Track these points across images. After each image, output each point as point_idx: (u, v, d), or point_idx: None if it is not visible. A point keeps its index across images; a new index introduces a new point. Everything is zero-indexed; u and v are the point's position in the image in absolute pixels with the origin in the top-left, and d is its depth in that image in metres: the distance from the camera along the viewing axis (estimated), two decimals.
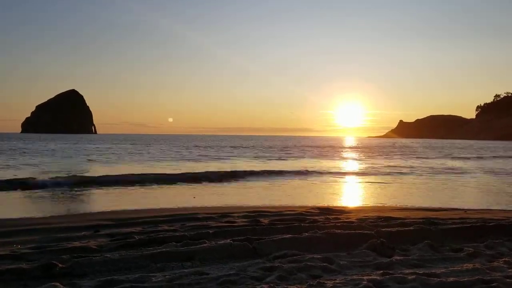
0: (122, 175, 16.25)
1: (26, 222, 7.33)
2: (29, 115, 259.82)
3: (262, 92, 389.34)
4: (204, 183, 15.29)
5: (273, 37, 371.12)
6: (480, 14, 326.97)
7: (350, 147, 64.54)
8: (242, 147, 54.87)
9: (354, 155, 41.56)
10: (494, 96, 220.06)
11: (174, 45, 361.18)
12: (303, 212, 8.39)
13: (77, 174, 17.08)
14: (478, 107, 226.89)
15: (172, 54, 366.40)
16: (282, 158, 33.63)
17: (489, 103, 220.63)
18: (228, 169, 19.52)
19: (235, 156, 35.62)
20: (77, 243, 5.39)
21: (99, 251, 5.00)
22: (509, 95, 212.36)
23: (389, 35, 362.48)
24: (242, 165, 24.49)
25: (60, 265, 4.26)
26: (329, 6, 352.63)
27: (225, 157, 33.13)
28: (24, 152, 35.48)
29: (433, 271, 4.32)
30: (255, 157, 34.22)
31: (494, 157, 38.32)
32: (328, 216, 7.78)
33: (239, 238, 5.29)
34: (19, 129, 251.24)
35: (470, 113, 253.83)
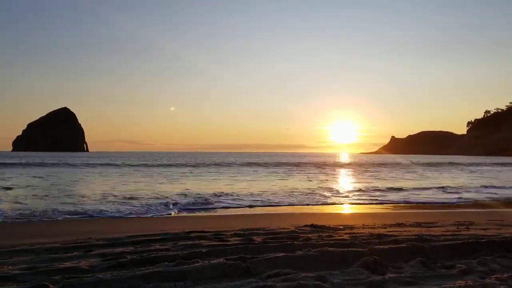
0: None
1: (18, 242, 7.25)
2: (20, 133, 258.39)
3: (257, 109, 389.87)
4: None
5: (268, 53, 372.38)
6: (472, 30, 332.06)
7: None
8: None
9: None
10: (485, 112, 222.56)
11: (167, 62, 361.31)
12: (296, 230, 8.37)
13: None
14: (469, 123, 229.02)
15: (165, 71, 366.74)
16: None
17: (479, 119, 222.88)
18: None
19: None
20: (68, 264, 5.34)
21: (90, 271, 4.96)
22: (499, 111, 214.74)
23: (382, 52, 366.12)
24: None
25: (51, 286, 4.22)
26: (323, 23, 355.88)
27: None
28: None
29: None
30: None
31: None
32: (321, 234, 7.77)
33: (232, 257, 5.27)
34: (10, 147, 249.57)
35: (461, 129, 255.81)
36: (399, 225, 9.49)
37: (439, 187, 22.43)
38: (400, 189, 21.55)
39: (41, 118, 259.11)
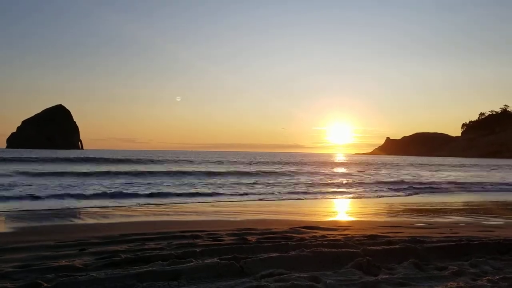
0: None
1: (11, 240, 7.23)
2: (15, 130, 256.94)
3: (254, 109, 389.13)
4: None
5: (267, 54, 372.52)
6: (467, 32, 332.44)
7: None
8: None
9: None
10: (479, 114, 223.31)
11: (165, 62, 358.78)
12: (290, 230, 8.39)
13: None
14: (463, 125, 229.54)
15: (163, 71, 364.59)
16: None
17: (474, 121, 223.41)
18: None
19: None
20: (62, 262, 5.34)
21: (84, 270, 4.96)
22: (494, 113, 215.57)
23: (379, 54, 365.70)
24: None
25: (45, 284, 4.22)
26: (323, 25, 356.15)
27: None
28: None
29: None
30: None
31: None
32: (315, 235, 7.81)
33: (226, 256, 5.28)
34: (5, 144, 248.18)
35: (455, 131, 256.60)
36: (392, 226, 9.53)
37: None
38: None
39: (36, 115, 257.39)
